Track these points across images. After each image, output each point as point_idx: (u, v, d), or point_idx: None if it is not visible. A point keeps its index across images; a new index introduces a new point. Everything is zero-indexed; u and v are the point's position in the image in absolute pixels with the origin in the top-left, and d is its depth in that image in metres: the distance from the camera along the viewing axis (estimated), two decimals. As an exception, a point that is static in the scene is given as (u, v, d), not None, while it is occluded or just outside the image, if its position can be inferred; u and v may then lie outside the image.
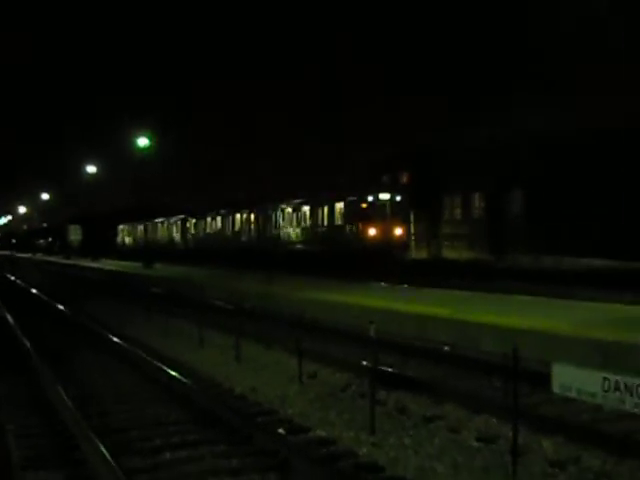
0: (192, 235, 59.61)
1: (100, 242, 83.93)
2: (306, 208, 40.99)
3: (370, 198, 35.54)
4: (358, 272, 31.15)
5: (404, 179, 39.05)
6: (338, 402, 11.05)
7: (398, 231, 35.57)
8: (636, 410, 6.30)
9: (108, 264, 60.08)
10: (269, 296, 24.35)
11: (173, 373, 12.49)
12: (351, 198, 36.34)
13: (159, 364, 13.47)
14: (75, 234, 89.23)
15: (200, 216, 57.77)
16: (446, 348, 14.51)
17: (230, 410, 10.02)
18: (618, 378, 6.35)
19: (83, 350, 16.44)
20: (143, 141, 49.96)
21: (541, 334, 13.47)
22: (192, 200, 72.00)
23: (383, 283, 27.12)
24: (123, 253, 74.21)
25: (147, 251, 55.84)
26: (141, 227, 71.97)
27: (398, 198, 36.21)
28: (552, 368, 7.05)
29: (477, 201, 50.66)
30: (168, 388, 11.88)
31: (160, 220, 68.45)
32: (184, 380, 11.95)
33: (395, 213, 35.76)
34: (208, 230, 56.32)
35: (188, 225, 59.86)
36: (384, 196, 35.80)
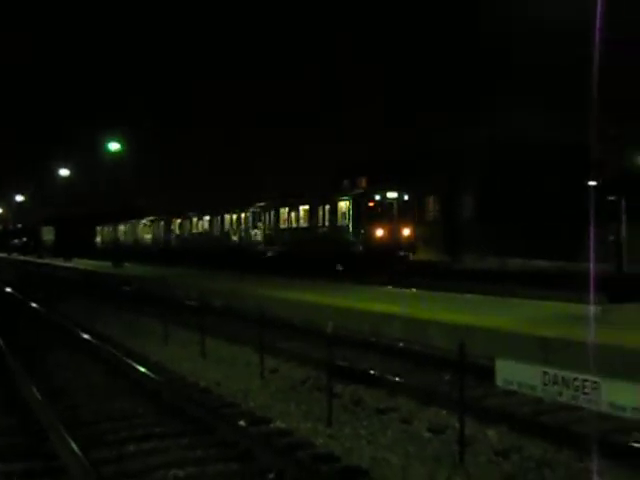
0: (176, 235, 57.77)
1: (74, 242, 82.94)
2: (303, 207, 37.24)
3: (377, 197, 32.21)
4: (349, 273, 30.63)
5: (362, 183, 38.20)
6: (297, 395, 11.10)
7: (406, 232, 32.21)
8: (573, 402, 6.45)
9: (80, 263, 59.52)
10: (237, 295, 24.35)
11: (141, 368, 12.46)
12: (357, 197, 32.81)
13: (128, 360, 13.40)
14: (48, 235, 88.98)
15: (185, 216, 56.06)
16: (401, 344, 14.64)
17: (195, 403, 10.03)
18: (557, 372, 6.50)
19: (55, 347, 16.25)
20: (114, 145, 49.47)
21: (490, 331, 13.68)
22: (176, 201, 68.62)
23: (388, 286, 26.08)
24: (97, 253, 73.06)
25: (117, 251, 55.40)
26: (117, 228, 71.28)
27: (406, 197, 32.89)
28: (495, 363, 7.18)
29: (432, 204, 50.89)
30: (137, 383, 11.83)
31: (134, 221, 67.29)
32: (151, 375, 11.93)
33: (402, 213, 32.45)
34: (194, 230, 54.03)
35: (173, 226, 58.10)
36: (392, 194, 32.44)
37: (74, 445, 7.85)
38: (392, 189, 32.74)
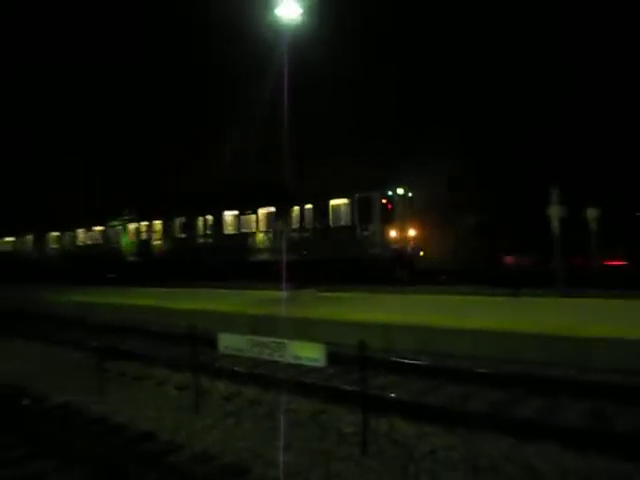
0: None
1: None
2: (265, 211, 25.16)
3: (389, 193, 21.72)
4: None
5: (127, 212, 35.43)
6: (75, 373, 10.15)
7: (412, 232, 22.24)
8: (270, 358, 6.59)
9: None
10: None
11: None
12: (364, 193, 21.63)
13: None
14: None
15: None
16: (154, 328, 14.04)
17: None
18: (258, 338, 6.62)
19: None
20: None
21: (218, 313, 13.68)
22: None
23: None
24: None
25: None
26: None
27: (410, 194, 22.60)
28: (218, 336, 7.14)
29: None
30: None
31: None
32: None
33: (407, 212, 22.20)
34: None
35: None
36: (400, 191, 22.10)
37: None
38: (401, 185, 22.40)
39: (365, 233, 21.26)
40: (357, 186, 21.76)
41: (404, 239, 21.64)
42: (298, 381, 8.12)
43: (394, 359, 9.12)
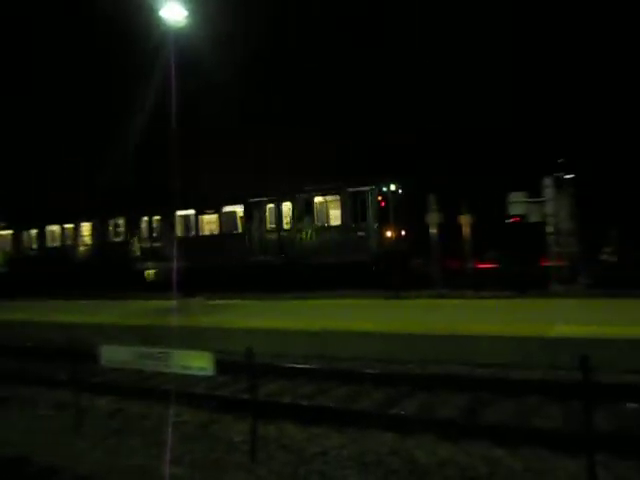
0: None
1: None
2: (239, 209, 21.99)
3: (384, 189, 19.24)
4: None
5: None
6: None
7: (403, 233, 19.86)
8: (157, 369, 6.32)
9: None
10: None
11: None
12: (360, 188, 18.95)
13: None
14: None
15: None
16: (32, 344, 13.00)
17: None
18: (142, 349, 6.33)
19: None
20: None
21: (100, 325, 12.97)
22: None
23: None
24: None
25: None
26: None
27: (400, 191, 20.16)
28: (100, 349, 6.74)
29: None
30: None
31: None
32: None
33: (399, 210, 19.72)
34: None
35: None
36: (393, 187, 19.75)
37: None
38: (393, 180, 19.89)
39: (359, 233, 18.73)
40: (349, 182, 19.30)
41: (399, 239, 19.53)
42: (187, 392, 7.86)
43: (284, 364, 9.12)
